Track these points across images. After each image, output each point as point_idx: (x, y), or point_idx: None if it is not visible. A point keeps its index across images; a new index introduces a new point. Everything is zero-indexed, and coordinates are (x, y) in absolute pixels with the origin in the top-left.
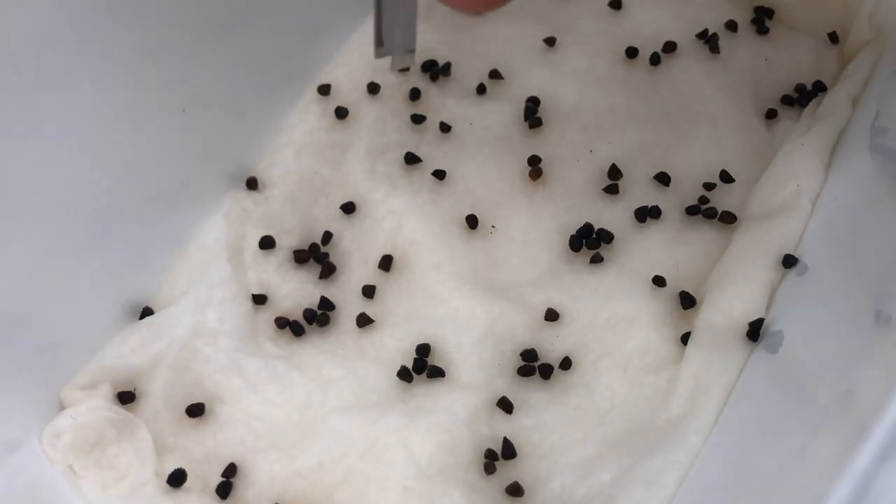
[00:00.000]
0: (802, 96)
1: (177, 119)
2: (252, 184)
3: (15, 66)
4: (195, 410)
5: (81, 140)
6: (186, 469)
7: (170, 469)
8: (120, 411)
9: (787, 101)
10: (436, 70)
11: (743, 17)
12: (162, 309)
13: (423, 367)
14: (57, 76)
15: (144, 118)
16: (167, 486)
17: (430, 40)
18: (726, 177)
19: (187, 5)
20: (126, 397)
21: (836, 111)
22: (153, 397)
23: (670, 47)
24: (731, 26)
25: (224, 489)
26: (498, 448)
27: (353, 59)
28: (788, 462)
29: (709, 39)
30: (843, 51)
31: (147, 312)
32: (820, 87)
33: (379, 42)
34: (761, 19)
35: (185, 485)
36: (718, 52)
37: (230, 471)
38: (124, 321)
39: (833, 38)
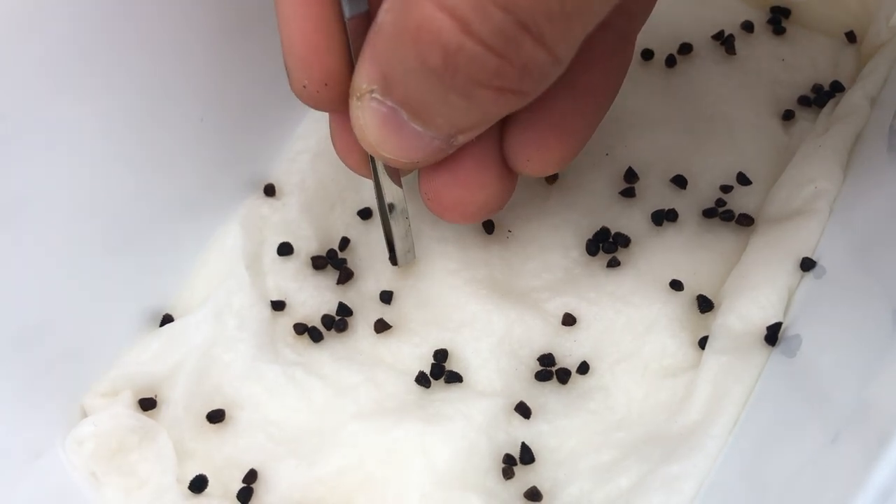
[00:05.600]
0: (820, 97)
1: (195, 128)
2: (269, 191)
3: (35, 78)
4: (215, 417)
5: (101, 150)
6: (207, 475)
7: (191, 475)
8: (141, 418)
9: (804, 101)
10: None
11: (759, 18)
12: (182, 316)
13: (440, 372)
14: (77, 88)
15: (163, 127)
16: (188, 491)
17: None
18: (743, 179)
19: (205, 16)
20: (147, 404)
21: (854, 112)
22: (174, 404)
23: (686, 49)
24: (748, 27)
25: (245, 495)
26: (516, 453)
27: None
28: (806, 468)
29: (725, 40)
30: (861, 50)
31: (167, 320)
32: (837, 88)
33: (394, 260)
34: (778, 19)
35: (207, 490)
36: (734, 53)
37: (251, 476)
38: (144, 329)
39: (850, 37)
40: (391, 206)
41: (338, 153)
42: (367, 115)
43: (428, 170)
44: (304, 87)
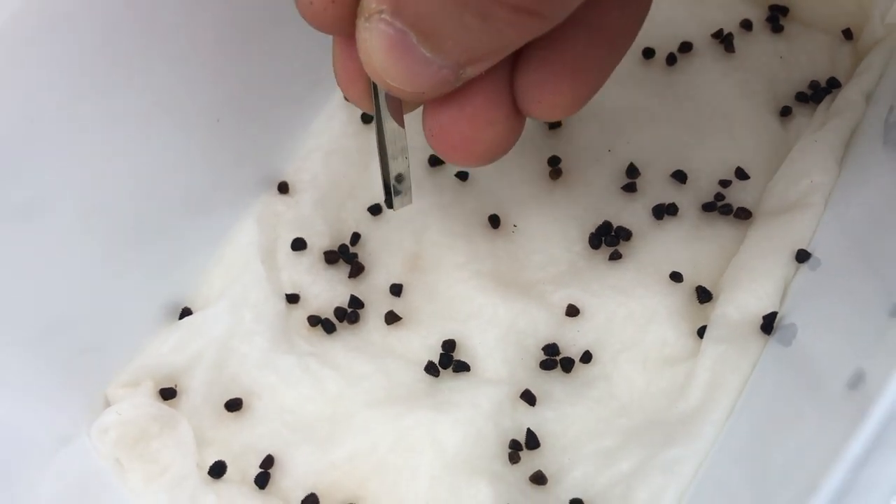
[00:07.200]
0: (817, 93)
1: (211, 127)
2: (283, 188)
3: (54, 78)
4: (233, 405)
5: (122, 148)
6: (226, 461)
7: (210, 461)
8: (162, 407)
9: (801, 98)
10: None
11: (758, 16)
12: (200, 309)
13: (448, 362)
14: (99, 91)
15: (180, 127)
16: (208, 477)
17: None
18: (742, 174)
19: (220, 20)
20: (167, 394)
21: (850, 107)
22: (193, 393)
23: (686, 47)
24: (746, 25)
25: (262, 480)
26: (522, 439)
27: None
28: (800, 451)
29: (724, 39)
30: (857, 47)
31: (186, 313)
32: (834, 84)
33: (389, 203)
34: (776, 17)
35: (225, 476)
36: (734, 52)
37: (267, 462)
38: (164, 322)
39: (847, 34)
40: (391, 145)
41: (339, 84)
42: (375, 37)
43: (434, 105)
44: (311, 3)
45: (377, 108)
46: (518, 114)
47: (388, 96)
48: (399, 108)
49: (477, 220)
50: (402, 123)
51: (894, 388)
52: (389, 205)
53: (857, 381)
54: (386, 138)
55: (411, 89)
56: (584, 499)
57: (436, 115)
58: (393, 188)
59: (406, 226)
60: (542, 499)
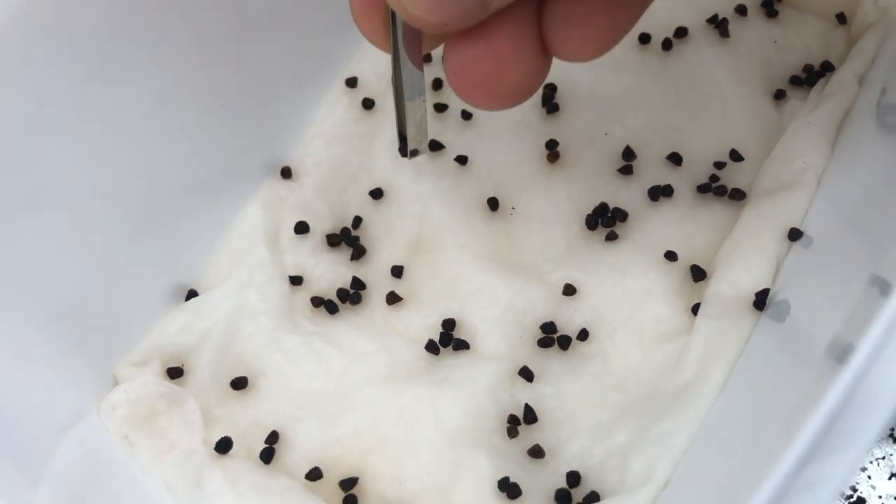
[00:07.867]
0: (810, 76)
1: (215, 114)
2: (286, 173)
3: (63, 67)
4: (239, 384)
5: (129, 136)
6: (232, 437)
7: (217, 437)
8: (169, 386)
9: (795, 81)
10: None
11: (752, 1)
12: (206, 291)
13: (448, 340)
14: (105, 78)
15: (186, 114)
16: (215, 453)
17: None
18: (736, 156)
19: (224, 9)
20: (175, 373)
21: (843, 90)
22: (200, 372)
23: (682, 33)
24: (741, 10)
25: (267, 455)
26: (520, 414)
27: (378, 53)
28: (789, 420)
29: (719, 24)
30: (851, 31)
31: (192, 295)
32: (828, 67)
33: (404, 151)
34: (770, 2)
35: (231, 452)
36: (728, 36)
37: (273, 438)
38: (171, 303)
39: (841, 18)
40: (408, 88)
41: (355, 18)
42: None
43: (455, 42)
44: None
45: (394, 45)
46: (545, 53)
47: (406, 32)
48: (418, 46)
49: (476, 203)
50: (420, 66)
51: (866, 346)
52: (404, 153)
53: (846, 355)
54: (403, 82)
55: (434, 19)
56: (580, 471)
57: (458, 52)
58: (408, 136)
59: (407, 209)
60: (540, 471)
